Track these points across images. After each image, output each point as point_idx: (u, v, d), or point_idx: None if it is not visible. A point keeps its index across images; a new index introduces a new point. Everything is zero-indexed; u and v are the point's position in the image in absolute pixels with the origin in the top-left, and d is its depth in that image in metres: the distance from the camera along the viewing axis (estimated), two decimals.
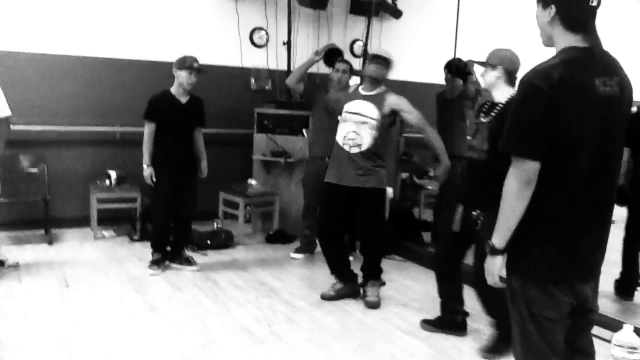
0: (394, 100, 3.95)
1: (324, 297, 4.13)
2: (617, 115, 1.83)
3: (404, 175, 6.66)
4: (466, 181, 3.39)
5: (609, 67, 1.83)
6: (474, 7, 5.89)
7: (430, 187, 6.47)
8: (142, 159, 4.53)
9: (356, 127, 3.92)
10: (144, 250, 5.06)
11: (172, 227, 4.72)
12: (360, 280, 4.21)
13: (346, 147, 3.96)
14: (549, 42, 1.90)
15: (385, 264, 4.98)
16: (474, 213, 3.12)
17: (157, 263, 4.61)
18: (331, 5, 6.53)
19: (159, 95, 4.54)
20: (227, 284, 4.39)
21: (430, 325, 3.67)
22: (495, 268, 1.93)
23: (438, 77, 7.05)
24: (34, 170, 5.42)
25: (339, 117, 4.06)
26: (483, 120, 3.14)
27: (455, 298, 3.59)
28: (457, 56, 5.60)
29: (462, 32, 5.75)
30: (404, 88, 7.09)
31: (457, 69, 5.41)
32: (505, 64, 3.07)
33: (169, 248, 4.74)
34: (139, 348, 3.23)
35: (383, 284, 4.27)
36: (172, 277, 4.50)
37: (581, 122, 1.76)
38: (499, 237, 1.88)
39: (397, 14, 6.83)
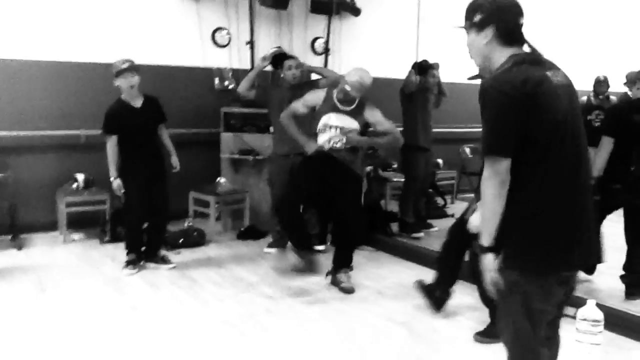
0: (369, 114, 4.16)
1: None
2: (574, 101, 2.00)
3: (368, 168, 6.82)
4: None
5: (551, 64, 2.01)
6: (433, 4, 6.09)
7: (395, 179, 6.66)
8: (108, 162, 4.53)
9: (339, 131, 4.12)
10: (116, 252, 5.09)
11: (147, 227, 4.75)
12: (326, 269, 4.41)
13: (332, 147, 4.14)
14: (485, 63, 2.05)
15: (358, 254, 5.13)
16: None
17: (133, 263, 4.63)
18: (292, 5, 6.62)
19: (113, 106, 4.55)
20: (205, 281, 4.46)
21: (421, 288, 3.85)
22: (490, 266, 1.98)
23: (398, 72, 7.24)
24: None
25: (319, 129, 4.16)
26: None
27: (449, 280, 3.75)
28: (419, 51, 5.79)
29: (423, 27, 5.94)
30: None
31: (419, 64, 5.61)
32: None
33: (143, 248, 4.76)
34: (125, 346, 3.28)
35: (351, 269, 4.44)
36: (149, 276, 4.53)
37: (550, 111, 1.90)
38: (486, 237, 1.96)
39: (356, 12, 7.00)
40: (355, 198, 4.33)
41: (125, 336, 3.41)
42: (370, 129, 4.28)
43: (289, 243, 4.23)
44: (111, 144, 4.49)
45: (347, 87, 4.04)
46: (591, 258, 2.12)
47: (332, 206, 4.27)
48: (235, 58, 6.59)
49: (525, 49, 2.01)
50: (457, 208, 7.29)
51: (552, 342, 2.18)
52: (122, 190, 4.51)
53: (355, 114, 4.16)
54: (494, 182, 1.91)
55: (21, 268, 4.66)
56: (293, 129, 4.28)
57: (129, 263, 4.63)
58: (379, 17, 7.40)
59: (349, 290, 4.23)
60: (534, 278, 1.95)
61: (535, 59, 1.98)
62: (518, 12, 2.00)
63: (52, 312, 3.77)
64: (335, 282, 4.34)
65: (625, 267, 4.12)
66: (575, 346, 3.16)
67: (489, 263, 1.98)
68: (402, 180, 6.27)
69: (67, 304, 3.91)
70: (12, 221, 5.35)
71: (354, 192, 4.28)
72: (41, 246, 5.34)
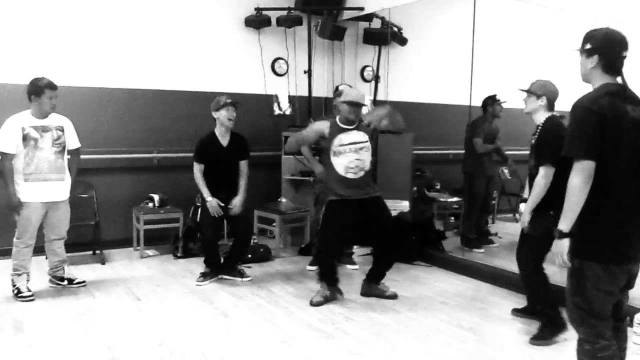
0: (368, 118, 4.48)
1: (313, 304, 4.53)
2: None
3: (413, 189, 7.23)
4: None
5: (635, 99, 2.49)
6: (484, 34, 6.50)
7: (441, 199, 7.05)
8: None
9: (358, 154, 4.46)
10: (192, 266, 5.56)
11: (232, 244, 5.25)
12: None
13: (350, 175, 4.45)
14: (586, 79, 2.55)
15: (413, 269, 5.59)
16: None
17: (204, 275, 5.10)
18: (345, 36, 7.11)
19: (204, 139, 5.04)
20: (281, 291, 4.88)
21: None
22: (564, 250, 2.42)
23: (444, 98, 7.72)
24: (85, 195, 5.84)
25: (334, 151, 4.48)
26: (532, 141, 3.77)
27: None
28: (472, 75, 6.22)
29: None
30: (408, 108, 7.74)
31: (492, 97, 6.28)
32: (549, 95, 3.69)
33: (221, 261, 5.20)
34: (228, 345, 3.71)
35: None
36: (229, 288, 4.96)
37: (620, 135, 2.38)
38: (566, 223, 2.40)
39: (403, 41, 7.45)
40: (389, 220, 4.68)
41: (225, 338, 3.83)
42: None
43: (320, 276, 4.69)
44: (198, 169, 4.99)
45: (346, 108, 4.44)
46: None
47: (371, 237, 4.73)
48: (292, 86, 7.07)
49: (620, 79, 2.46)
50: (498, 227, 7.67)
51: (620, 334, 2.59)
52: (220, 213, 4.96)
53: (360, 128, 4.51)
54: (581, 179, 2.34)
55: (111, 280, 5.13)
56: (307, 151, 5.29)
57: (202, 275, 5.11)
58: (425, 46, 7.85)
59: (393, 296, 4.68)
60: (603, 266, 2.41)
61: (623, 94, 2.44)
62: (622, 46, 2.46)
63: (153, 317, 4.21)
64: (374, 293, 4.72)
65: None
66: (633, 348, 3.53)
67: (564, 247, 2.42)
68: (450, 200, 6.68)
69: (163, 311, 4.36)
70: (95, 237, 5.84)
71: (386, 216, 4.64)
72: (120, 260, 5.82)
